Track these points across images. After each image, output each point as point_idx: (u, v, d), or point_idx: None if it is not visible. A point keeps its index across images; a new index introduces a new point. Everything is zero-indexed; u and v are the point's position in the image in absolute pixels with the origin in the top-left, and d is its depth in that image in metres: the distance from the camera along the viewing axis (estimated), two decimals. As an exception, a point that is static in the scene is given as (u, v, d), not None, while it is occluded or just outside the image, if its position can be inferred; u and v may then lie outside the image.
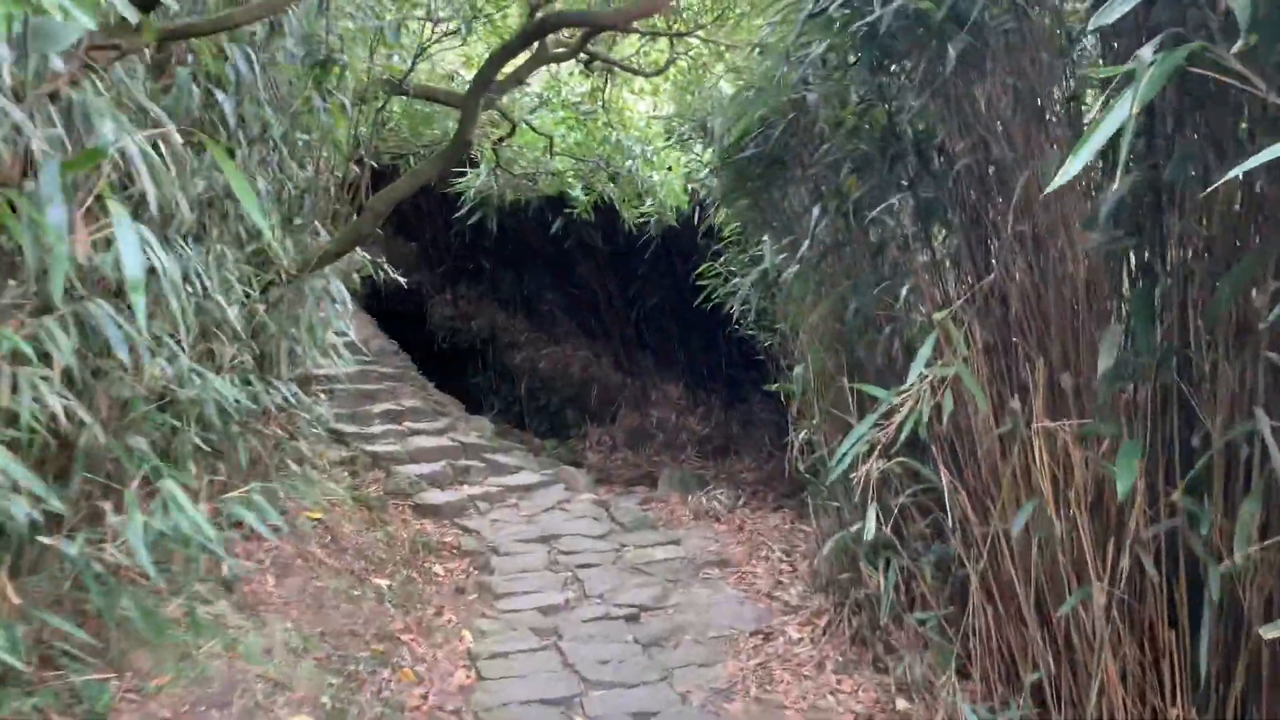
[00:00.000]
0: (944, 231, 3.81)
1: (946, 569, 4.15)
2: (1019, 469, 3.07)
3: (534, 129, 8.02)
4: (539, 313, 13.32)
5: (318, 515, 5.85)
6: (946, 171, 3.45)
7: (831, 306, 4.54)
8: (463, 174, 9.83)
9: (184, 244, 3.57)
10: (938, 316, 3.09)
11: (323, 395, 6.23)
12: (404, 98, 7.27)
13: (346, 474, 8.16)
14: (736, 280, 7.02)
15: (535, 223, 11.31)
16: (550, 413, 12.76)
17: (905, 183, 3.97)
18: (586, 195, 9.12)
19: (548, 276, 12.84)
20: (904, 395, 3.12)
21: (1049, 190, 1.92)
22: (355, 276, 6.57)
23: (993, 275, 3.11)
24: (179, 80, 3.54)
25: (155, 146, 2.77)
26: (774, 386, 5.70)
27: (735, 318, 7.15)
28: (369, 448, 8.73)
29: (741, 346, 9.28)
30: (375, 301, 13.33)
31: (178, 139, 2.70)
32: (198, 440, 3.96)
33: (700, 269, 7.51)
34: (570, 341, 12.83)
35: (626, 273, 11.42)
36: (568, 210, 9.77)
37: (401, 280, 6.72)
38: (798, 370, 4.97)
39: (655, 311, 11.59)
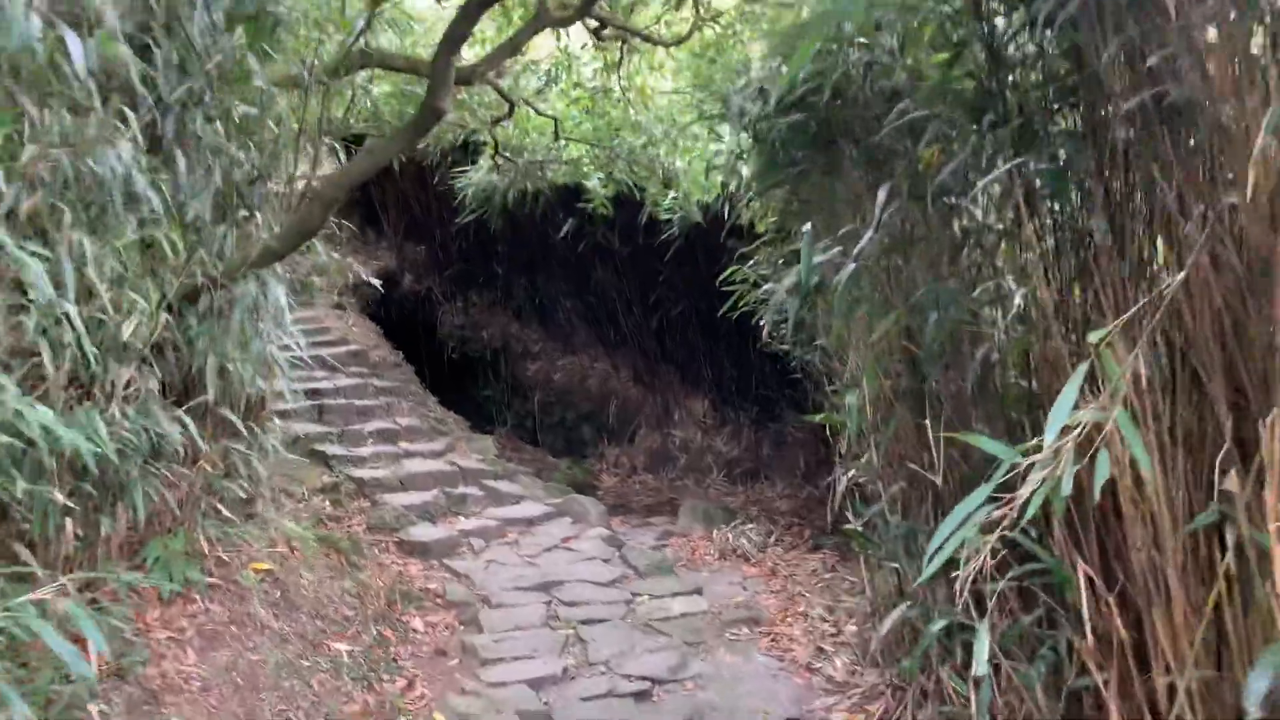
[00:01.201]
0: (1073, 216, 2.76)
1: (1059, 676, 3.08)
2: (1225, 587, 2.02)
3: (538, 111, 7.03)
4: (554, 321, 12.34)
5: (264, 567, 4.86)
6: (1089, 130, 2.40)
7: (898, 319, 3.49)
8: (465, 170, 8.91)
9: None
10: (1094, 338, 2.03)
11: (277, 420, 5.24)
12: (394, 73, 6.29)
13: (327, 503, 7.22)
14: (769, 286, 5.97)
15: (548, 223, 10.35)
16: (565, 429, 11.78)
17: (1014, 149, 2.92)
18: (603, 185, 8.09)
19: (563, 282, 11.86)
20: (1034, 455, 2.08)
21: None
22: (316, 280, 5.59)
23: (1181, 276, 2.05)
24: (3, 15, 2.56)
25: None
26: (819, 417, 4.65)
27: (767, 331, 6.09)
28: (355, 472, 7.76)
29: (775, 361, 8.24)
30: (384, 309, 12.44)
31: None
32: (58, 496, 2.96)
33: (726, 272, 6.45)
34: (587, 352, 11.83)
35: (647, 277, 10.42)
36: (583, 203, 8.76)
37: (376, 283, 5.73)
38: (850, 399, 3.92)
39: (679, 321, 10.57)
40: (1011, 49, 3.27)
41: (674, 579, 6.50)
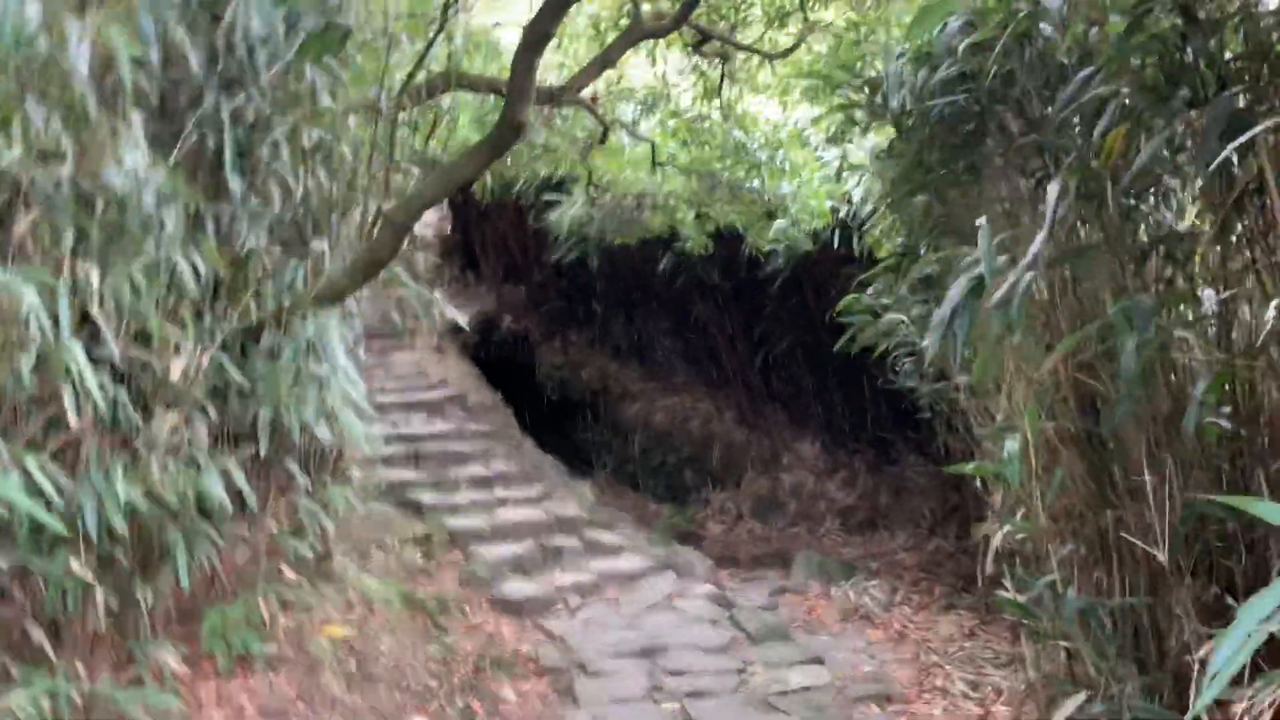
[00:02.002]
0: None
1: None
2: None
3: (633, 134, 6.60)
4: (654, 360, 11.83)
5: (339, 633, 4.43)
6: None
7: (1076, 346, 2.83)
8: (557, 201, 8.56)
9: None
10: None
11: (355, 470, 4.85)
12: (474, 94, 5.95)
13: (419, 555, 6.81)
14: (891, 317, 5.33)
15: (645, 259, 9.90)
16: (667, 473, 11.20)
17: (1220, 135, 2.28)
18: (700, 224, 7.60)
19: (662, 319, 11.38)
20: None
21: None
22: (396, 317, 5.22)
23: None
24: None
25: None
26: (969, 468, 3.97)
27: (891, 363, 5.44)
28: (449, 521, 7.36)
29: (893, 399, 7.53)
30: (483, 350, 12.18)
31: None
32: (76, 567, 2.56)
33: (841, 303, 5.82)
34: (689, 392, 11.25)
35: (751, 312, 9.85)
36: (679, 242, 8.30)
37: (463, 322, 5.35)
38: (1010, 446, 3.25)
39: (786, 357, 9.93)
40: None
41: (791, 645, 5.82)
